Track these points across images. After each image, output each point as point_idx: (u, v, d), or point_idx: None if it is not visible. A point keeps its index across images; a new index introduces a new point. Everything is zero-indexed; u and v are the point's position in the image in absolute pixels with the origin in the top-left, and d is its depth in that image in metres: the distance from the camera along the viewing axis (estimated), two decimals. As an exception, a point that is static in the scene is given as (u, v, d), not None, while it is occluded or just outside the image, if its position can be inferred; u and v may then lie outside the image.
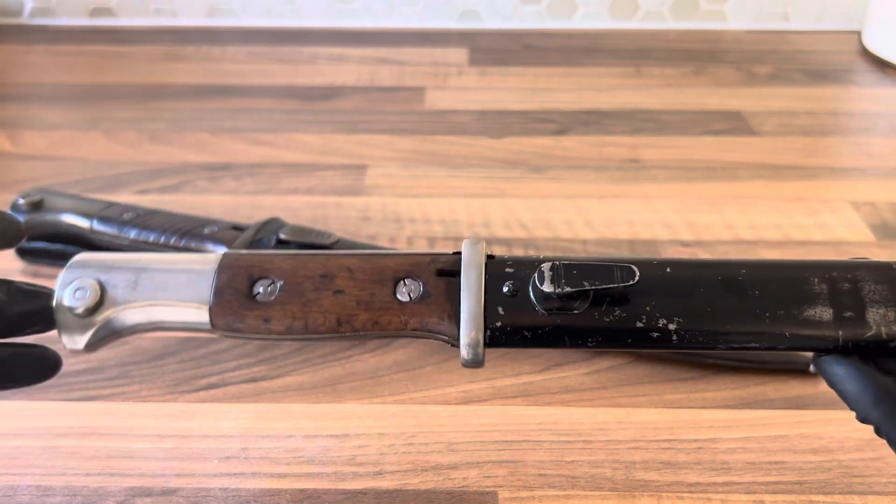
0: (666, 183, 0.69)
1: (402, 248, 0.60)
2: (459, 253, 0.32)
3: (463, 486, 0.41)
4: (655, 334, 0.30)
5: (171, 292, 0.32)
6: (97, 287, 0.32)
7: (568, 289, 0.29)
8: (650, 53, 0.96)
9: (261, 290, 0.31)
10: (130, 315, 0.32)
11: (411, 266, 0.32)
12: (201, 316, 0.31)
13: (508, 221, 0.63)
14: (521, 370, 0.49)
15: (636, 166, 0.71)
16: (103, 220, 0.55)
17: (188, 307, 0.31)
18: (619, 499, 0.41)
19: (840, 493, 0.41)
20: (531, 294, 0.30)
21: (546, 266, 0.30)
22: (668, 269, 0.31)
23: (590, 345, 0.30)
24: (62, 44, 0.98)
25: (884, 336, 0.28)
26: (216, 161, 0.72)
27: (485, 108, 0.82)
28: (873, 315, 0.29)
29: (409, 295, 0.31)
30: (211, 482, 0.42)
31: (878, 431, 0.28)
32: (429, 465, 0.43)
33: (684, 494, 0.41)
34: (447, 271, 0.31)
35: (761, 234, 0.61)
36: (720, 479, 0.42)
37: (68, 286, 0.32)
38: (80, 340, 0.32)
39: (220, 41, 0.99)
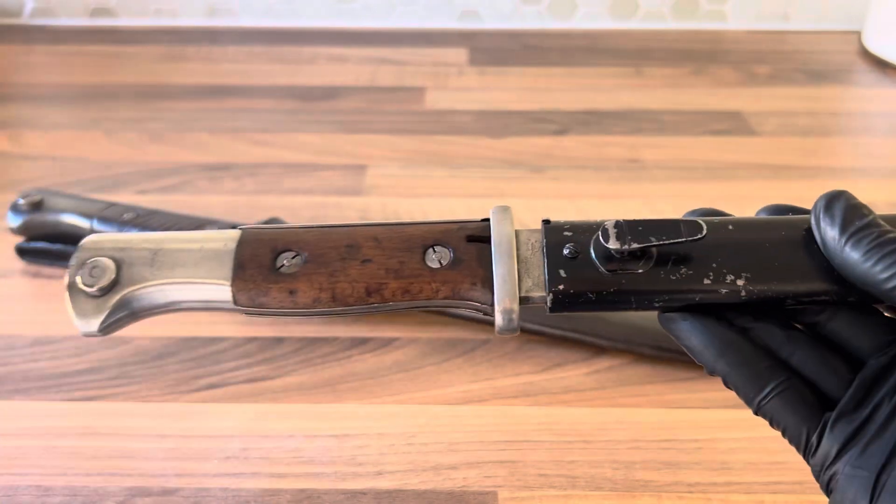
0: (666, 183, 0.69)
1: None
2: (488, 220, 0.31)
3: (463, 486, 0.41)
4: (724, 290, 0.29)
5: (190, 269, 0.30)
6: (112, 265, 0.30)
7: (635, 245, 0.28)
8: (650, 53, 0.96)
9: (285, 262, 0.30)
10: (148, 294, 0.30)
11: (440, 234, 0.31)
12: (223, 293, 0.30)
13: (508, 221, 0.63)
14: (521, 370, 0.49)
15: (636, 166, 0.71)
16: (103, 220, 0.55)
17: (209, 284, 0.30)
18: (619, 499, 0.41)
19: (840, 493, 0.41)
20: (593, 255, 0.29)
21: (610, 224, 0.29)
22: (731, 227, 0.30)
23: (656, 305, 0.29)
24: (62, 44, 0.98)
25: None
26: (216, 161, 0.72)
27: (485, 108, 0.82)
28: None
29: (440, 262, 0.30)
30: (211, 482, 0.42)
31: (726, 383, 0.29)
32: (429, 465, 0.43)
33: (684, 494, 0.41)
34: (477, 237, 0.31)
35: (761, 234, 0.61)
36: (720, 479, 0.42)
37: (83, 266, 0.30)
38: (94, 322, 0.30)
39: (220, 41, 0.99)
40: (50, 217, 0.56)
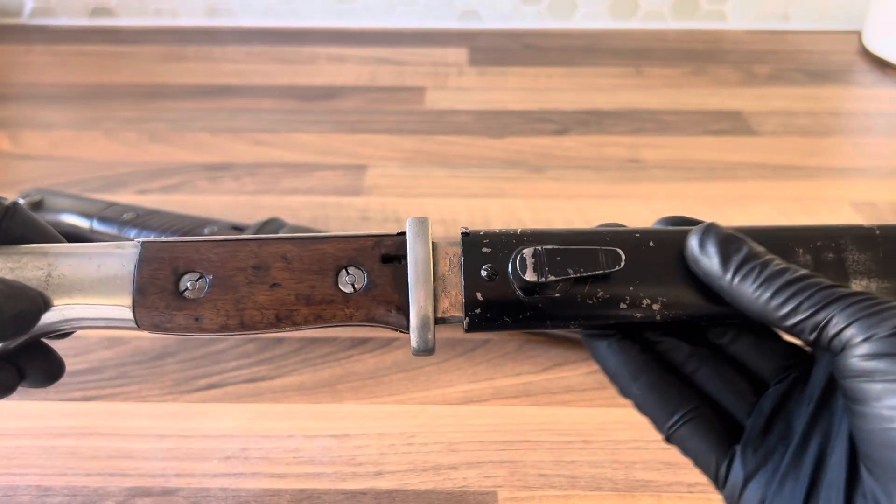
0: (666, 183, 0.69)
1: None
2: (404, 233, 0.29)
3: (463, 486, 0.41)
4: (639, 315, 0.29)
5: (88, 293, 0.29)
6: None
7: (552, 277, 0.28)
8: (650, 53, 0.96)
9: (188, 285, 0.29)
10: (45, 318, 0.29)
11: (354, 252, 0.29)
12: (124, 314, 0.29)
13: (508, 221, 0.63)
14: (521, 370, 0.49)
15: (636, 166, 0.71)
16: (103, 220, 0.55)
17: (109, 306, 0.29)
18: (619, 499, 0.41)
19: (840, 493, 0.41)
20: (510, 277, 0.29)
21: (527, 252, 0.28)
22: (651, 244, 0.30)
23: (571, 326, 0.29)
24: (62, 44, 0.98)
25: None
26: (216, 161, 0.72)
27: (485, 108, 0.82)
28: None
29: (353, 286, 0.29)
30: (211, 482, 0.42)
31: (638, 408, 0.29)
32: (429, 465, 0.43)
33: (684, 494, 0.41)
34: (392, 256, 0.29)
35: (761, 234, 0.61)
36: (720, 479, 0.42)
37: None
38: None
39: (219, 41, 0.99)
40: (50, 217, 0.56)
